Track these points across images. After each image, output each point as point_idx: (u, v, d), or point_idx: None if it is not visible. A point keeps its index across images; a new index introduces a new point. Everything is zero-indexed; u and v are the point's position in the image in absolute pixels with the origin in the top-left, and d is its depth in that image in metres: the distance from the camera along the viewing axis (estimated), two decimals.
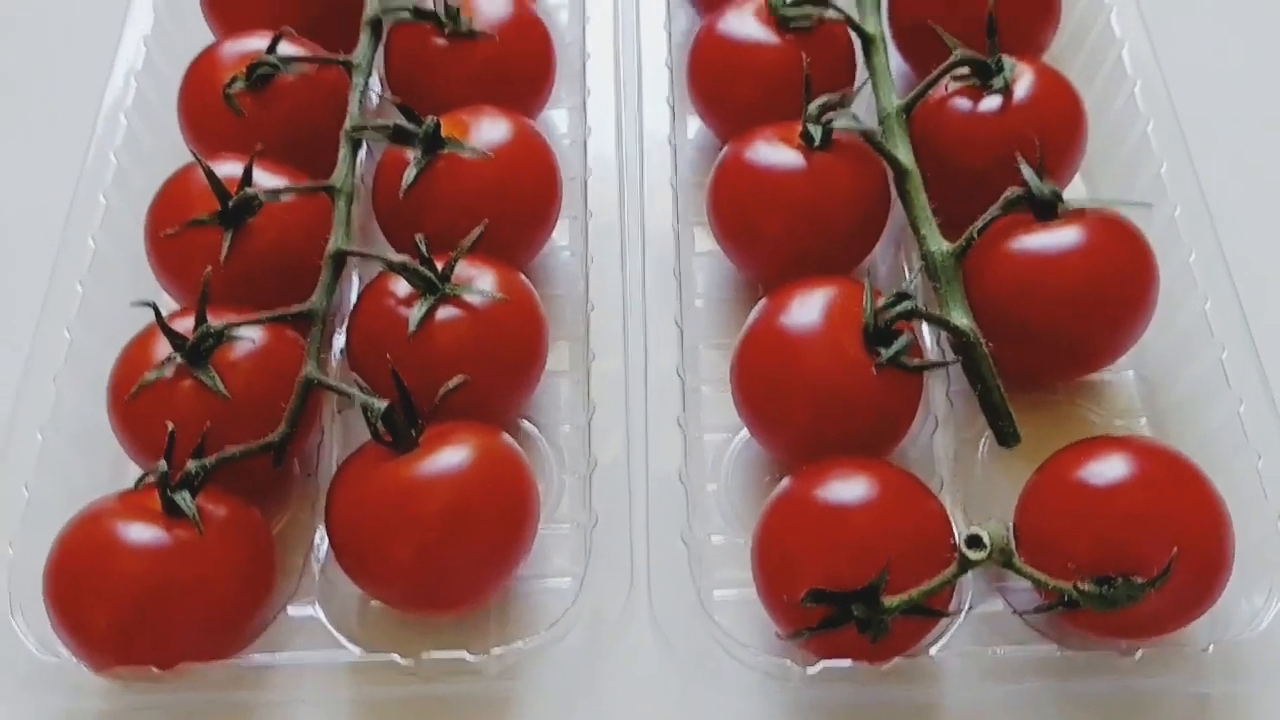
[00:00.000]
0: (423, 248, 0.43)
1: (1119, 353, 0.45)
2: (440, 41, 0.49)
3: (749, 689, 0.40)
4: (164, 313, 0.43)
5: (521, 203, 0.47)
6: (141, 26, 0.53)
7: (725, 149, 0.48)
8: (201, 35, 0.54)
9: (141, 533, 0.39)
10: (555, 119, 0.54)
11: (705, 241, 0.50)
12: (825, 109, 0.46)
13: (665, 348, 0.46)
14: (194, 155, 0.45)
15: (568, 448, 0.46)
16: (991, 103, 0.47)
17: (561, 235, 0.50)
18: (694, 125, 0.53)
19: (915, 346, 0.42)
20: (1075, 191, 0.50)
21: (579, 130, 0.51)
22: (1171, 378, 0.46)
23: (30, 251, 0.49)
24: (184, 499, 0.39)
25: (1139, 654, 0.38)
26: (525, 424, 0.47)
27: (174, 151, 0.50)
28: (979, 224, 0.44)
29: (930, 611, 0.38)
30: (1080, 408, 0.46)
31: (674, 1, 0.55)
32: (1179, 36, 0.52)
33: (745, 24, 0.50)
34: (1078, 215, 0.43)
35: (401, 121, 0.46)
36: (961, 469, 0.43)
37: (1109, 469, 0.39)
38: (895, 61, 0.52)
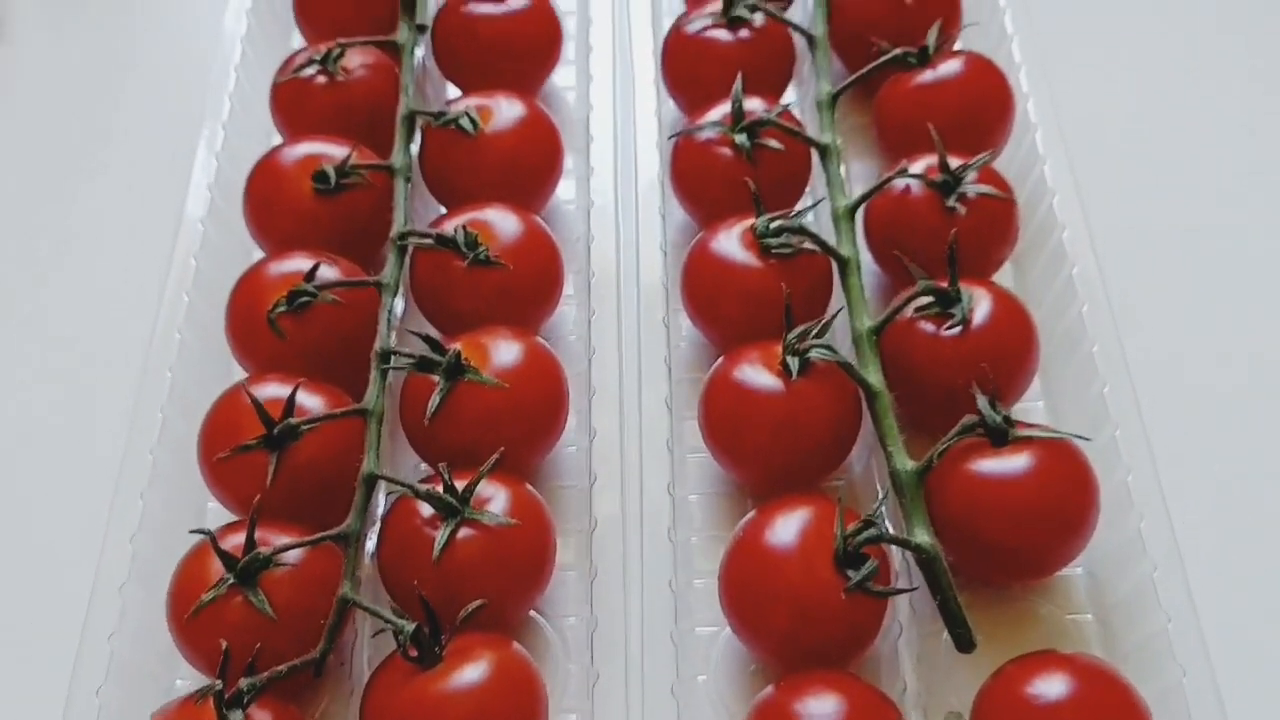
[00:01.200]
0: (446, 475, 0.48)
1: (1066, 561, 0.50)
2: (460, 265, 0.55)
3: None
4: (215, 525, 0.49)
5: (532, 419, 0.52)
6: (194, 240, 0.59)
7: (715, 368, 0.53)
8: (247, 249, 0.60)
9: None
10: (563, 319, 0.60)
11: (697, 441, 0.55)
12: (803, 336, 0.52)
13: (659, 562, 0.51)
14: (245, 390, 0.50)
15: (573, 638, 0.52)
16: (952, 329, 0.52)
17: (570, 436, 0.56)
18: (687, 331, 0.59)
19: (883, 566, 0.47)
20: (1035, 400, 0.55)
21: (584, 341, 0.57)
22: (1116, 578, 0.51)
23: (94, 465, 0.55)
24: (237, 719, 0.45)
25: None
26: (534, 615, 0.52)
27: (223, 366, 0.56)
28: (939, 448, 0.49)
29: None
30: (1035, 604, 0.51)
31: (670, 217, 0.61)
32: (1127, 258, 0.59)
33: (732, 246, 0.56)
34: (1028, 443, 0.49)
35: (426, 352, 0.52)
36: (924, 669, 0.49)
37: (1053, 687, 0.44)
38: (875, 275, 0.58)
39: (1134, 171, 0.65)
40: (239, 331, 0.55)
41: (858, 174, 0.64)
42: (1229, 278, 0.62)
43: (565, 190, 0.63)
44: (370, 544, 0.51)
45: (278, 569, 0.48)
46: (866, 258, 0.58)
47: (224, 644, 0.45)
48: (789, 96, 0.65)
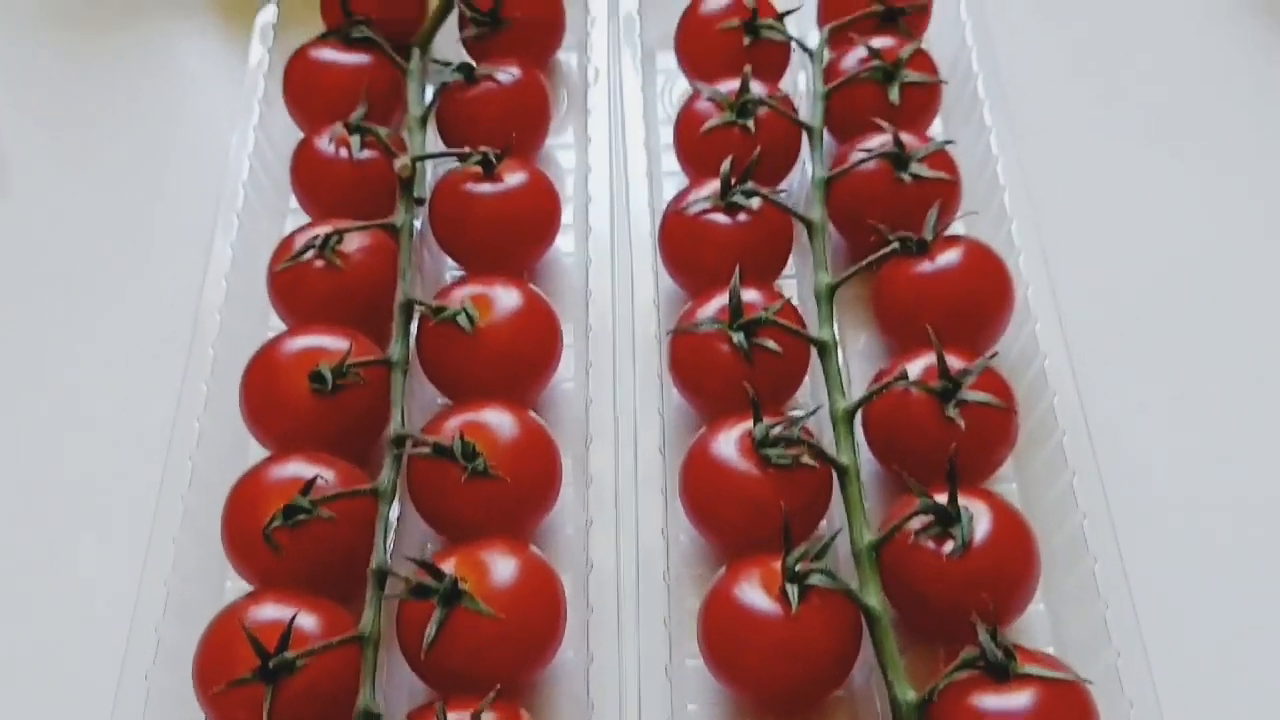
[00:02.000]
0: (441, 715, 0.48)
1: None
2: (458, 474, 0.55)
3: None
4: None
5: (529, 642, 0.52)
6: (192, 436, 0.59)
7: (715, 581, 0.53)
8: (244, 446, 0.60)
9: None
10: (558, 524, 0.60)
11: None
12: (804, 556, 0.51)
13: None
14: (241, 626, 0.50)
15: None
16: (951, 547, 0.52)
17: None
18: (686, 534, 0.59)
19: None
20: (1037, 602, 0.55)
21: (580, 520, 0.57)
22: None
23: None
24: None
25: None
26: None
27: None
28: (940, 683, 0.48)
29: None
30: None
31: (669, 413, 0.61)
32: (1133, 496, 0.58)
33: (730, 451, 0.55)
34: (1029, 681, 0.48)
35: (423, 578, 0.51)
36: None
37: None
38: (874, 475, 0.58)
39: (1136, 361, 0.65)
40: (235, 540, 0.55)
41: (856, 352, 0.64)
42: (1244, 492, 0.61)
43: (565, 368, 0.63)
44: None
45: None
46: (866, 453, 0.58)
47: None
48: (789, 269, 0.65)
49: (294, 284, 0.62)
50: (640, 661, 0.52)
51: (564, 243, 0.68)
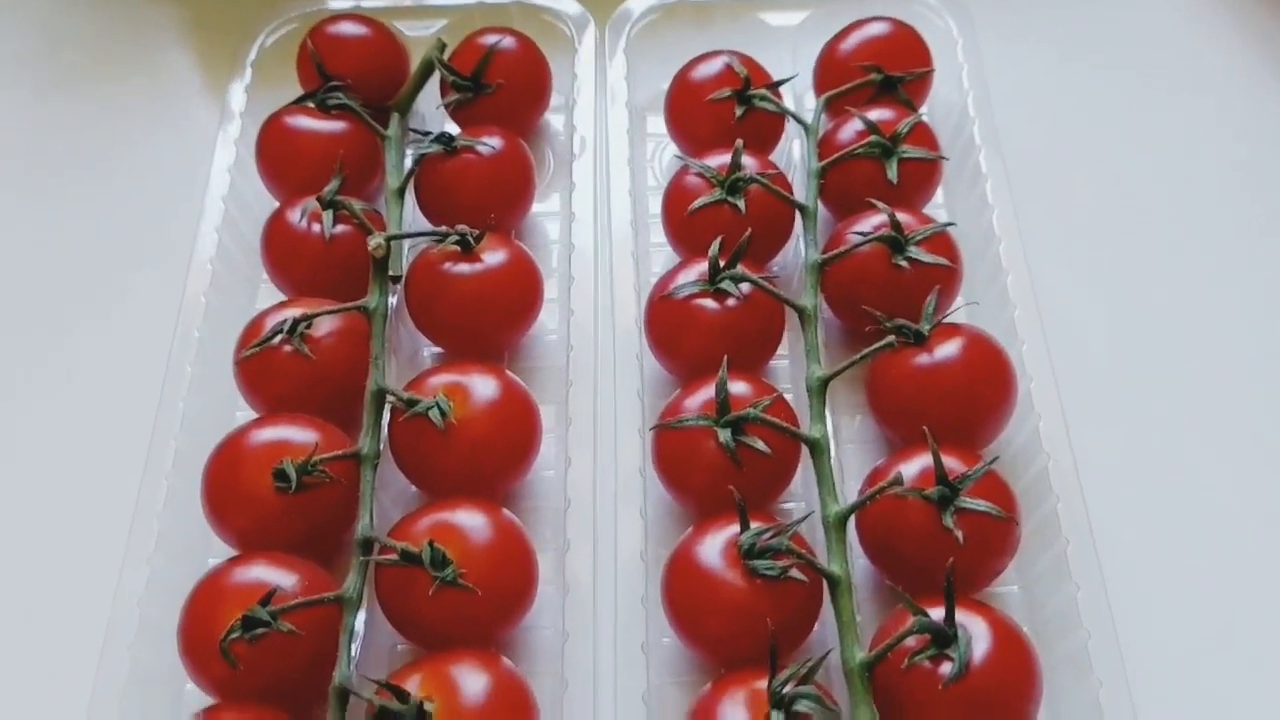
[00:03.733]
0: None
1: None
2: (427, 582, 0.52)
3: None
4: None
5: None
6: (149, 542, 0.56)
7: (696, 699, 0.50)
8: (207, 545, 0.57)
9: None
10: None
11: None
12: (791, 679, 0.49)
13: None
14: None
15: None
16: (949, 670, 0.49)
17: None
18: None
19: None
20: None
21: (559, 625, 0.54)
22: None
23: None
24: None
25: None
26: None
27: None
28: None
29: None
30: None
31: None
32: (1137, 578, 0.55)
33: (715, 559, 0.52)
34: None
35: (388, 704, 0.49)
36: None
37: None
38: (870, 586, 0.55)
39: (1143, 459, 0.61)
40: (192, 649, 0.52)
41: (850, 438, 0.61)
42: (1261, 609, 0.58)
43: (546, 451, 0.60)
44: None
45: None
46: (859, 554, 0.55)
47: None
48: (783, 348, 0.62)
49: (261, 371, 0.59)
50: None
51: (547, 318, 0.65)
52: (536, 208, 0.69)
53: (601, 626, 0.54)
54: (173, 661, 0.52)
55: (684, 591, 0.53)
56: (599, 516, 0.56)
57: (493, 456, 0.57)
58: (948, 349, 0.57)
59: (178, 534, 0.56)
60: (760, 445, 0.55)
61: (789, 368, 0.63)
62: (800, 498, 0.59)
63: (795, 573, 0.51)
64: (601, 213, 0.65)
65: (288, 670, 0.51)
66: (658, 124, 0.71)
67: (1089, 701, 0.50)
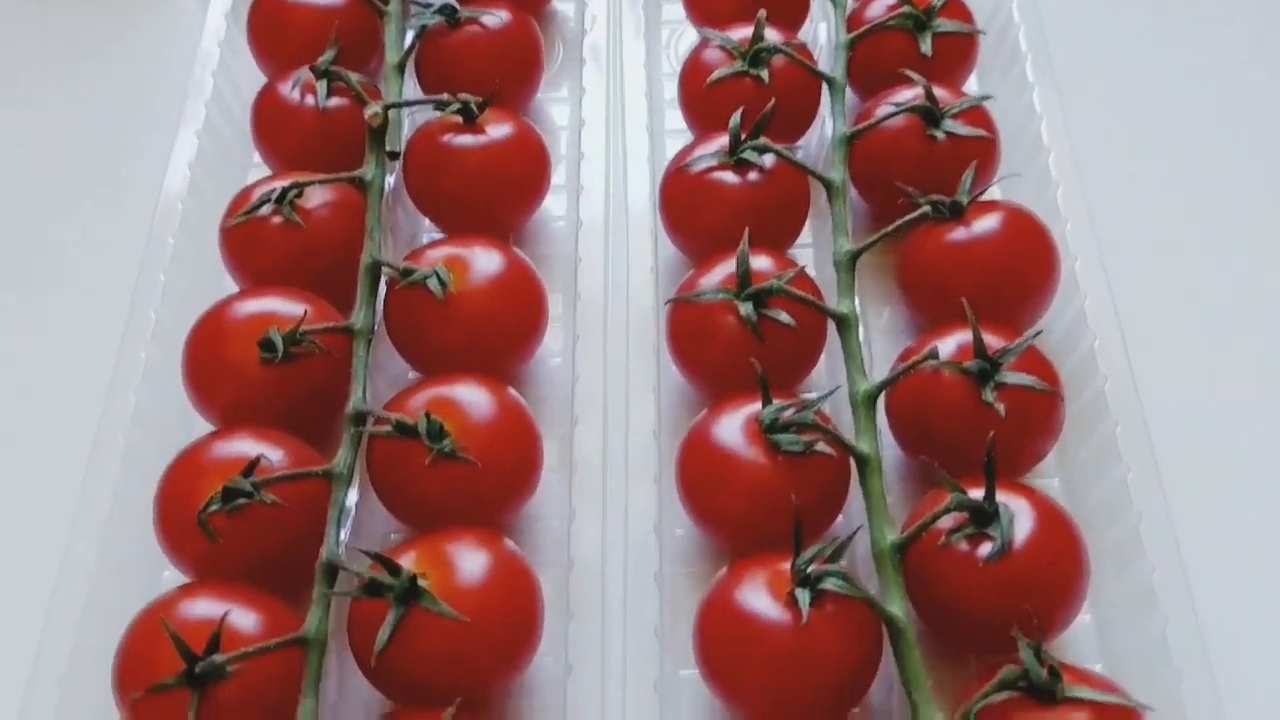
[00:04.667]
0: None
1: None
2: (423, 456, 0.48)
3: None
4: None
5: (498, 650, 0.45)
6: (125, 413, 0.52)
7: (716, 581, 0.46)
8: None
9: None
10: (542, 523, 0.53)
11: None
12: (815, 559, 0.45)
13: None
14: (163, 623, 0.43)
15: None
16: (987, 550, 0.45)
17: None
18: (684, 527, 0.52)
19: None
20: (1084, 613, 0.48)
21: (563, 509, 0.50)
22: None
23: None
24: None
25: None
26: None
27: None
28: (972, 706, 0.41)
29: None
30: None
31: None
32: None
33: (735, 436, 0.48)
34: (1079, 706, 0.41)
35: (377, 573, 0.45)
36: None
37: None
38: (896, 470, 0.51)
39: (1197, 344, 0.57)
40: (169, 526, 0.48)
41: (879, 328, 0.57)
42: None
43: (552, 341, 0.56)
44: None
45: None
46: (889, 441, 0.51)
47: None
48: (805, 236, 0.58)
49: (248, 242, 0.55)
50: (626, 673, 0.46)
51: (554, 205, 0.61)
52: (543, 94, 0.65)
53: (611, 507, 0.50)
54: (149, 543, 0.49)
55: (700, 470, 0.49)
56: (609, 395, 0.52)
57: (495, 332, 0.53)
58: (986, 223, 0.53)
59: (156, 410, 0.52)
60: (784, 317, 0.51)
61: (813, 254, 0.59)
62: (824, 387, 0.55)
63: (822, 446, 0.47)
64: (614, 88, 0.61)
65: (271, 547, 0.47)
66: (675, 11, 0.67)
67: (1140, 586, 0.46)
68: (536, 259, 0.57)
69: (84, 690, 0.45)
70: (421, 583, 0.44)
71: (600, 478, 0.50)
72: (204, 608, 0.45)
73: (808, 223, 0.58)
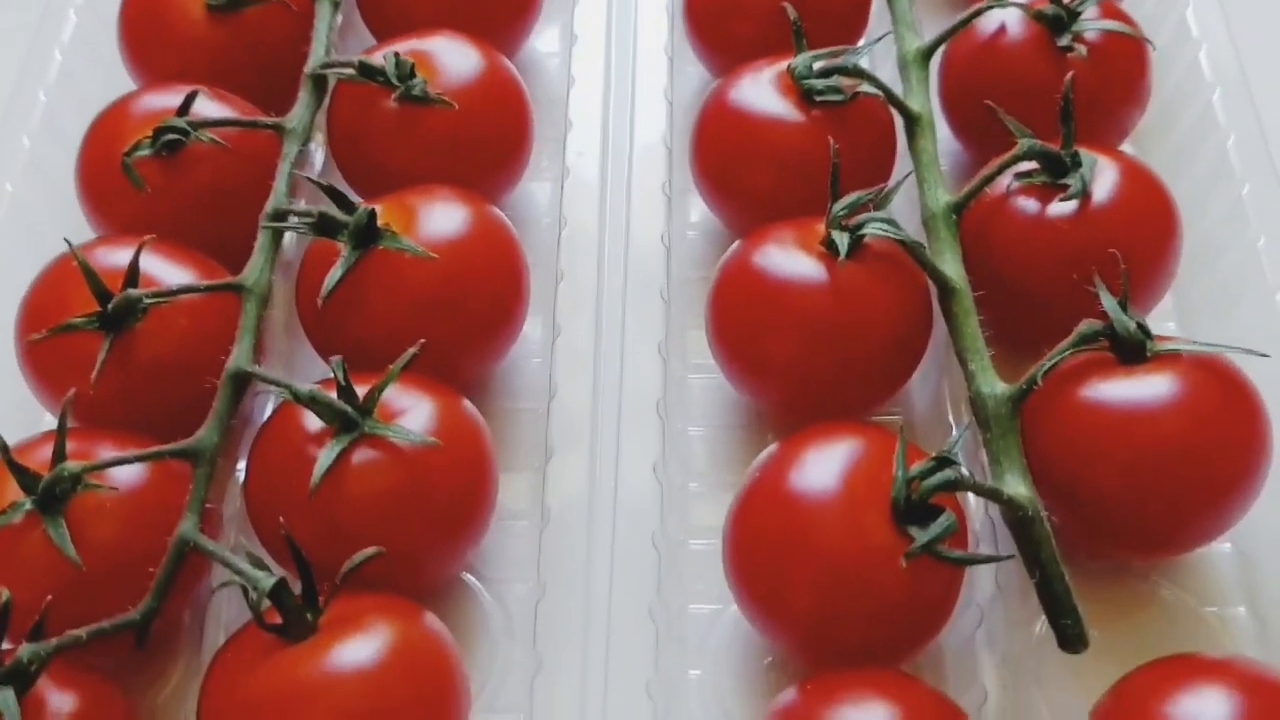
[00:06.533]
0: (339, 373, 0.34)
1: (1214, 535, 0.35)
2: (391, 105, 0.41)
3: None
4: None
5: (474, 312, 0.38)
6: (47, 75, 0.45)
7: (731, 251, 0.39)
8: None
9: None
10: (532, 192, 0.46)
11: (702, 355, 0.41)
12: (855, 209, 0.37)
13: (643, 490, 0.37)
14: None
15: (517, 612, 0.37)
16: (1063, 207, 0.38)
17: (527, 343, 0.42)
18: (697, 211, 0.44)
19: (960, 526, 0.33)
20: (1163, 320, 0.41)
21: (555, 212, 0.43)
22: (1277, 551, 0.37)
23: None
24: (7, 700, 0.30)
25: None
26: (467, 578, 0.38)
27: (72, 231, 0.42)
28: (1044, 364, 0.34)
29: None
30: (1159, 587, 0.37)
31: (680, 62, 0.46)
32: None
33: (763, 95, 0.41)
34: (1171, 360, 0.34)
35: (327, 210, 0.37)
36: (1011, 674, 0.34)
37: (1204, 708, 0.30)
38: (947, 143, 0.43)
39: None
40: (91, 182, 0.41)
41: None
42: None
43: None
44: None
45: (98, 494, 0.34)
46: (941, 124, 0.44)
47: (4, 593, 0.31)
48: None
49: None
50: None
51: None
52: None
53: (613, 219, 0.43)
54: (68, 206, 0.42)
55: (723, 136, 0.42)
56: (613, 99, 0.45)
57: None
58: None
59: (84, 70, 0.45)
60: None
61: None
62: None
63: (866, 88, 0.40)
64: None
65: (208, 205, 0.40)
66: None
67: (1247, 253, 0.38)
68: None
69: None
70: (380, 221, 0.37)
71: (597, 190, 0.43)
72: (124, 256, 0.38)
73: None
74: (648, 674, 0.34)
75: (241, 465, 0.37)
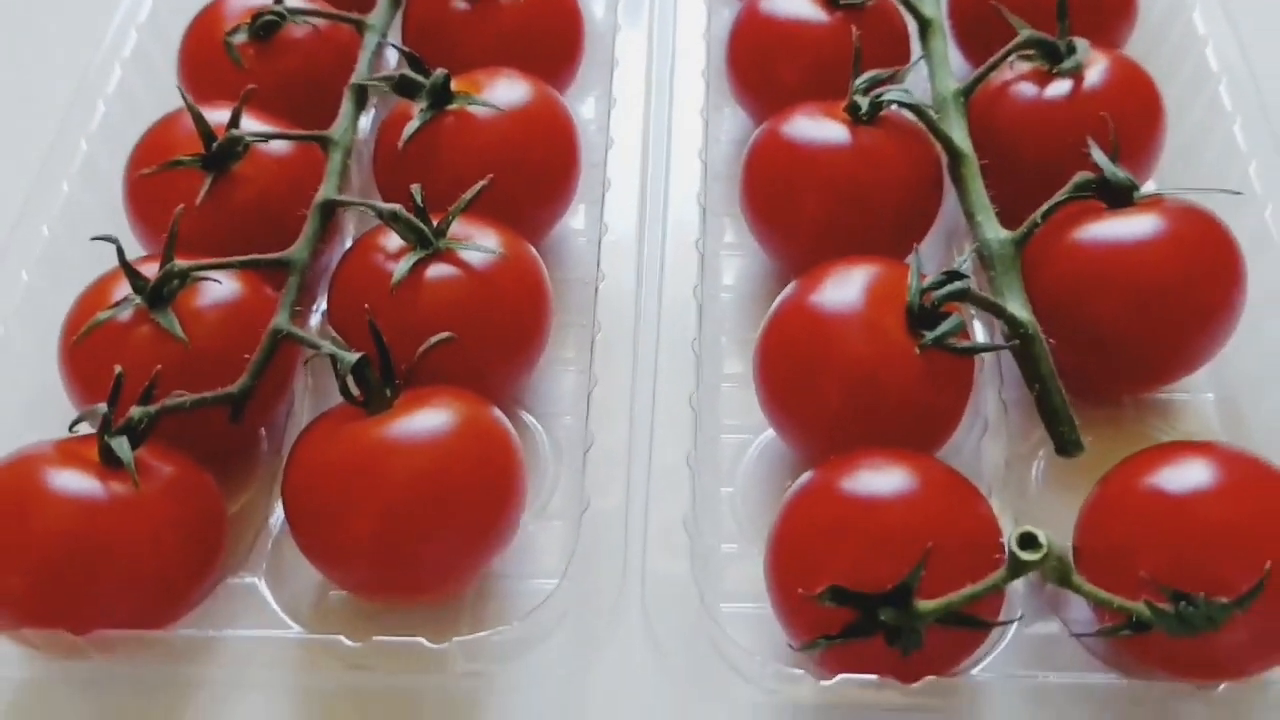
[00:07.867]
0: (418, 198, 0.38)
1: (1196, 363, 0.39)
2: (462, 4, 0.46)
3: (752, 707, 0.34)
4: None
5: (535, 170, 0.43)
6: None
7: (763, 125, 0.44)
8: None
9: (70, 481, 0.34)
10: (579, 106, 0.50)
11: (734, 233, 0.45)
12: (875, 83, 0.42)
13: (682, 336, 0.41)
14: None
15: (566, 441, 0.41)
16: (1060, 88, 0.42)
17: (576, 218, 0.46)
18: (729, 114, 0.49)
19: (965, 332, 0.37)
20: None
21: (604, 106, 0.47)
22: (1257, 397, 0.40)
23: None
24: (121, 445, 0.34)
25: (1220, 688, 0.32)
26: (523, 414, 0.42)
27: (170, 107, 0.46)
28: (1044, 209, 0.39)
29: (973, 622, 0.32)
30: (1149, 425, 0.41)
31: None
32: (1268, 33, 0.48)
33: (792, 1, 0.46)
34: (1154, 203, 0.39)
35: (408, 72, 0.42)
36: (1013, 479, 0.38)
37: (1187, 475, 0.33)
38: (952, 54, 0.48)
39: None
40: (191, 62, 0.46)
41: None
42: None
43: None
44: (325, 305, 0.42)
45: (201, 300, 0.38)
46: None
47: (118, 368, 0.35)
48: None
49: None
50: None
51: None
52: None
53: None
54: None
55: (756, 41, 0.46)
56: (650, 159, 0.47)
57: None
58: None
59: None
60: None
61: None
62: None
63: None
64: None
65: (298, 83, 0.45)
66: None
67: (1224, 138, 0.43)
68: None
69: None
70: (453, 87, 0.42)
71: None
72: (223, 117, 0.42)
73: None
74: (687, 457, 0.37)
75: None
